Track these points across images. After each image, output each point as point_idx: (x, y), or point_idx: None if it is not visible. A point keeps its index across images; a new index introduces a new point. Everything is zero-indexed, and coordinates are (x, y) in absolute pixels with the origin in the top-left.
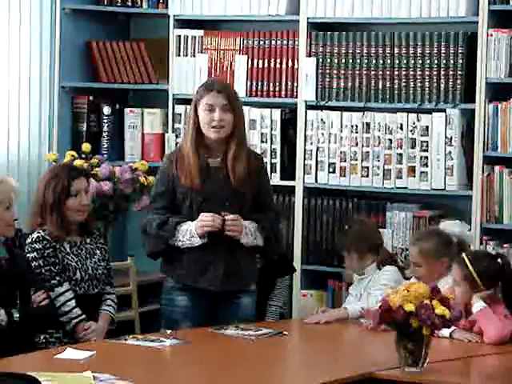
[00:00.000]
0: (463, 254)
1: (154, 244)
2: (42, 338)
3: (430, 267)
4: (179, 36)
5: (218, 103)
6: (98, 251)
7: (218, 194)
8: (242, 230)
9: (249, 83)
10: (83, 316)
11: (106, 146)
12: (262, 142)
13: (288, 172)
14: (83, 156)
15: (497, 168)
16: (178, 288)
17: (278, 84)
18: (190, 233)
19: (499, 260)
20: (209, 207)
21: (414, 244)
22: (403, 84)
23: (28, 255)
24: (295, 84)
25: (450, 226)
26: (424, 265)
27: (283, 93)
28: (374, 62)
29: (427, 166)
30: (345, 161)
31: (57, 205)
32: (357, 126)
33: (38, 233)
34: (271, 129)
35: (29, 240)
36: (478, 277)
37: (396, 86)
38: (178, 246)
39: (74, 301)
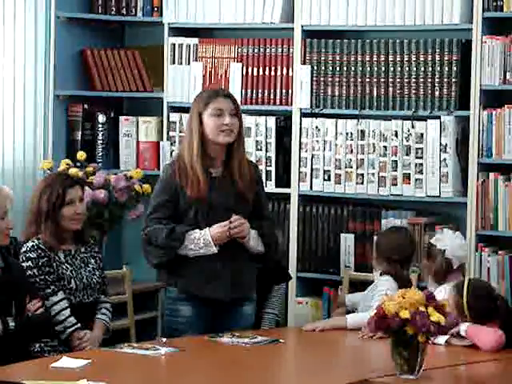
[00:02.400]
0: (466, 280)
1: (162, 254)
2: (37, 346)
3: None
4: (174, 44)
5: (226, 107)
6: (92, 260)
7: (223, 203)
8: (249, 232)
9: (243, 91)
10: (78, 325)
11: (100, 154)
12: (257, 149)
13: (283, 179)
14: (78, 164)
15: (492, 175)
16: (181, 298)
17: (272, 92)
18: (203, 241)
19: (498, 302)
20: (215, 216)
21: None
22: (398, 91)
23: (23, 264)
24: (290, 92)
25: (442, 239)
26: None
27: (278, 100)
28: (368, 69)
29: (422, 173)
30: (340, 168)
31: (51, 213)
32: (352, 134)
33: (33, 242)
34: (266, 136)
35: (23, 249)
36: (468, 310)
37: (390, 94)
38: (184, 255)
39: (68, 310)
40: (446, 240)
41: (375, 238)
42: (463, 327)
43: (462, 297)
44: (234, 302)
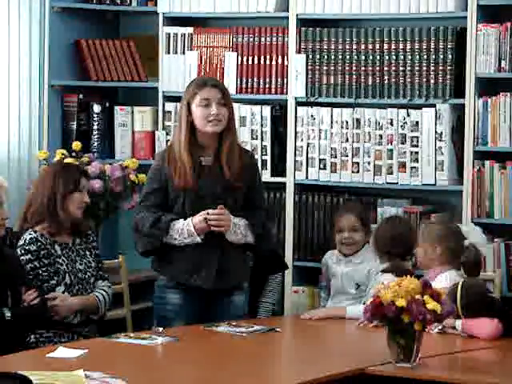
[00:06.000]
0: (460, 283)
1: (148, 242)
2: (32, 338)
3: None
4: (168, 33)
5: (213, 97)
6: (87, 252)
7: (211, 192)
8: (228, 225)
9: (238, 80)
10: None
11: (96, 144)
12: (253, 138)
13: (279, 168)
14: (74, 154)
15: (487, 163)
16: (170, 286)
17: (267, 81)
18: (187, 232)
19: (492, 301)
20: (202, 205)
21: None
22: (393, 80)
23: (22, 257)
24: (285, 80)
25: (472, 233)
26: None
27: (273, 89)
28: (363, 57)
29: (418, 161)
30: (335, 157)
31: (65, 196)
32: (347, 122)
33: (31, 234)
34: (261, 125)
35: (21, 242)
36: (461, 310)
37: (386, 82)
38: (171, 244)
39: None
40: (478, 236)
41: (373, 231)
42: (458, 323)
43: (456, 303)
44: (224, 291)
